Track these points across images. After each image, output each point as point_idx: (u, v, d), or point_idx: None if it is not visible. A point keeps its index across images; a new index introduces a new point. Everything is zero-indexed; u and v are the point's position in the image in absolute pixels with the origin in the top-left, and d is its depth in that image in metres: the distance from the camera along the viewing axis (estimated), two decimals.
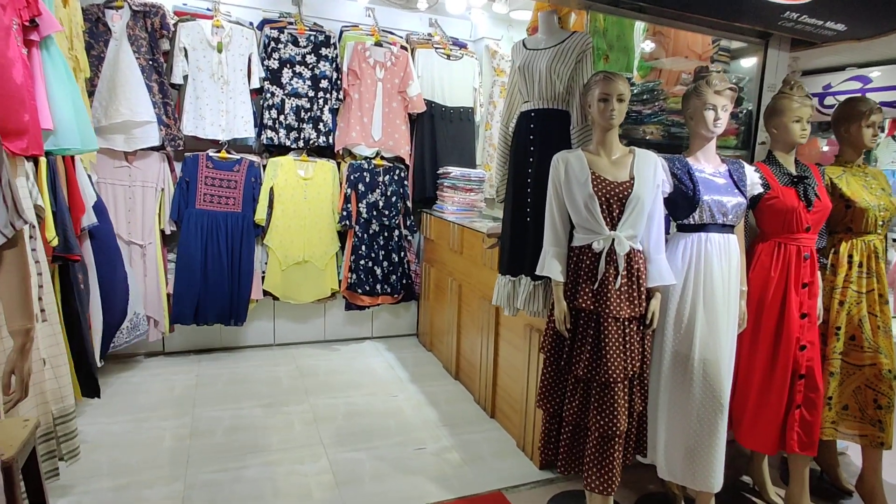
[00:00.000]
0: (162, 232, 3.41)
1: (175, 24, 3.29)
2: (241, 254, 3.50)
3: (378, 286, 3.78)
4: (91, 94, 3.15)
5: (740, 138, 2.54)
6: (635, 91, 2.40)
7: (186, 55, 3.32)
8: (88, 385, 2.44)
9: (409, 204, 3.86)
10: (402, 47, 3.75)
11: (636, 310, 1.84)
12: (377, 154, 3.78)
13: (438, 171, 3.80)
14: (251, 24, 3.51)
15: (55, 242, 2.22)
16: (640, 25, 2.63)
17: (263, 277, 3.60)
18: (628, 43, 2.64)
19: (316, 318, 3.91)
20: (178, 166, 3.46)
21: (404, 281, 3.88)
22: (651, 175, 1.86)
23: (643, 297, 1.86)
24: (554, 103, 2.08)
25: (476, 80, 3.97)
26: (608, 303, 1.80)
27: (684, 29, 2.39)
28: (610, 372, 1.77)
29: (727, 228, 1.96)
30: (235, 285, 3.49)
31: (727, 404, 1.92)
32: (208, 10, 3.42)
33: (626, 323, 1.83)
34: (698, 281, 1.92)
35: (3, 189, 1.20)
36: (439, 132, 3.86)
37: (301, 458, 2.45)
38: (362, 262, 3.72)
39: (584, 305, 1.84)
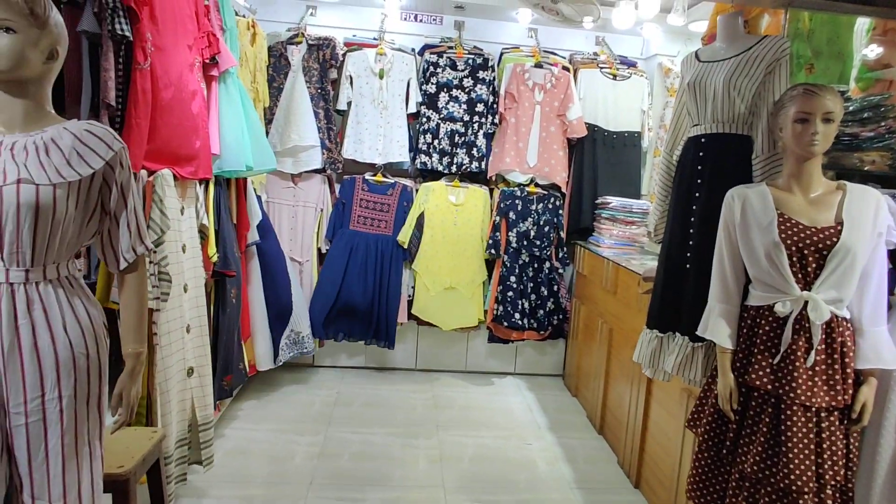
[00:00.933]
0: (319, 250, 3.57)
1: (344, 55, 3.45)
2: (390, 276, 3.52)
3: (524, 320, 3.55)
4: (270, 121, 3.42)
5: None
6: (851, 108, 1.90)
7: (352, 83, 3.46)
8: (221, 391, 2.57)
9: (563, 235, 3.59)
10: (564, 68, 3.53)
11: (838, 398, 1.39)
12: (531, 181, 3.58)
13: (597, 201, 3.48)
14: (413, 50, 3.56)
15: (215, 259, 2.37)
16: (862, 24, 2.10)
17: (410, 301, 3.59)
18: (843, 47, 2.11)
19: (459, 348, 3.80)
20: (338, 188, 3.61)
21: (553, 317, 3.60)
22: (870, 219, 1.41)
23: (849, 381, 1.40)
24: (731, 126, 1.70)
25: (645, 101, 3.59)
26: (794, 385, 1.38)
27: None
28: (792, 477, 1.35)
29: None
30: (384, 307, 3.51)
31: None
32: (374, 39, 3.54)
33: (823, 414, 1.39)
34: None
35: (129, 215, 1.24)
36: (600, 158, 3.55)
37: (418, 502, 2.31)
38: (509, 293, 3.52)
39: (758, 383, 1.44)
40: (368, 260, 3.51)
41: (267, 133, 3.40)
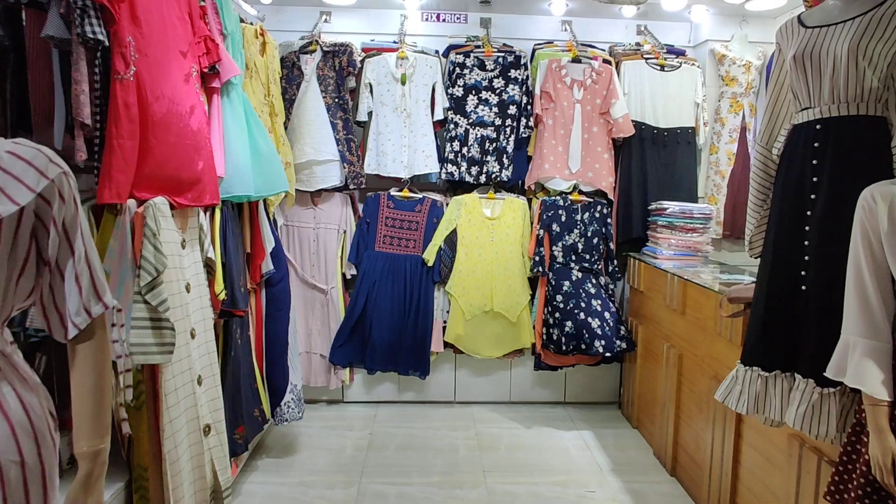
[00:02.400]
0: (344, 276, 3.26)
1: (362, 61, 3.16)
2: (422, 300, 3.19)
3: (574, 343, 3.17)
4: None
5: None
6: None
7: (371, 91, 3.16)
8: (234, 445, 2.25)
9: (613, 246, 3.22)
10: (605, 61, 3.17)
11: None
12: (574, 188, 3.22)
13: (650, 207, 3.10)
14: (437, 52, 3.25)
15: (223, 296, 2.07)
16: None
17: (445, 327, 3.24)
18: None
19: (501, 376, 3.44)
20: (361, 207, 3.31)
21: (606, 338, 3.21)
22: None
23: None
24: (859, 106, 1.33)
25: (698, 92, 3.21)
26: None
27: None
28: None
29: None
30: (415, 334, 3.18)
31: None
32: (394, 42, 3.24)
33: None
34: None
35: (78, 264, 0.92)
36: (651, 159, 3.17)
37: None
38: (557, 314, 3.15)
39: None
40: (397, 283, 3.18)
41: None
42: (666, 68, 3.17)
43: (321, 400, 3.42)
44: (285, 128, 3.12)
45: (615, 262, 3.22)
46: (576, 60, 3.15)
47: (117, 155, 1.54)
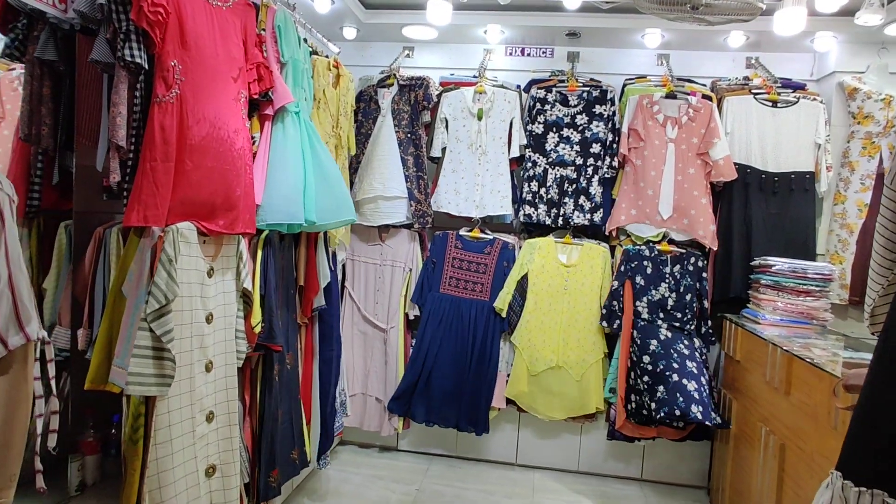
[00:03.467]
0: (406, 316, 3.11)
1: (439, 95, 3.06)
2: (485, 350, 2.94)
3: (666, 409, 2.74)
4: (356, 170, 3.10)
5: None
6: None
7: (447, 126, 3.05)
8: (266, 488, 2.11)
9: (707, 305, 2.79)
10: (705, 97, 2.83)
11: None
12: (664, 237, 2.86)
13: (754, 262, 2.67)
14: (518, 87, 3.08)
15: (259, 328, 1.98)
16: None
17: (508, 381, 2.97)
18: None
19: (569, 441, 3.07)
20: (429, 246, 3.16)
21: (703, 405, 2.76)
22: None
23: None
24: None
25: (820, 132, 2.75)
26: None
27: None
28: None
29: None
30: (476, 387, 2.93)
31: None
32: (475, 77, 3.12)
33: None
34: None
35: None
36: (757, 207, 2.75)
37: None
38: (646, 378, 2.75)
39: None
40: (461, 329, 2.96)
41: (352, 183, 3.08)
42: (779, 104, 2.76)
43: (374, 445, 3.24)
44: (357, 162, 3.09)
45: (710, 323, 2.78)
46: (670, 96, 2.84)
47: (148, 177, 1.50)
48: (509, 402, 2.96)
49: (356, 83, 3.16)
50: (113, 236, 1.64)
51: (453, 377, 2.95)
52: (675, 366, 2.64)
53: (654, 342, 2.74)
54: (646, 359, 2.74)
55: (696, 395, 2.55)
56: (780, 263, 2.48)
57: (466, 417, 2.95)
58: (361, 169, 3.09)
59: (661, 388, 2.62)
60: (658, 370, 2.66)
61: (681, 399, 2.54)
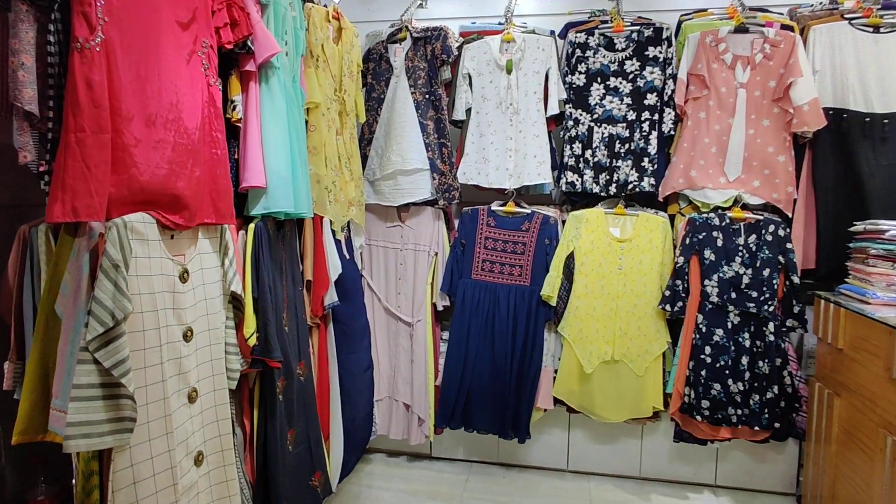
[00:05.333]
0: (434, 307, 2.70)
1: (459, 47, 2.60)
2: (528, 343, 2.53)
3: (731, 410, 2.32)
4: (370, 142, 2.68)
5: None
6: None
7: (471, 83, 2.59)
8: None
9: (796, 280, 2.32)
10: (784, 27, 2.32)
11: None
12: (735, 202, 2.39)
13: (856, 227, 2.18)
14: (552, 33, 2.60)
15: (253, 341, 1.59)
16: None
17: (555, 378, 2.56)
18: None
19: (629, 444, 2.67)
20: (456, 224, 2.74)
21: (779, 406, 2.32)
22: None
23: None
24: None
25: None
26: None
27: None
28: None
29: None
30: (516, 386, 2.53)
31: None
32: (500, 24, 2.64)
33: None
34: None
35: None
36: (861, 159, 2.25)
37: None
38: (703, 372, 2.33)
39: None
40: (497, 321, 2.55)
41: (365, 157, 2.66)
42: (883, 29, 2.24)
43: (404, 452, 2.88)
44: (370, 133, 2.67)
45: (801, 302, 2.31)
46: (740, 30, 2.33)
47: (74, 154, 1.10)
48: (557, 401, 2.56)
49: (363, 41, 2.72)
50: (40, 236, 1.26)
51: (492, 376, 2.55)
52: (735, 361, 2.32)
53: (720, 331, 2.33)
54: (707, 350, 2.33)
55: (744, 396, 2.32)
56: (895, 228, 2.00)
57: (509, 422, 2.55)
58: (376, 140, 2.66)
59: (717, 386, 2.33)
60: (718, 365, 2.32)
61: (720, 399, 2.32)
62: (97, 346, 1.10)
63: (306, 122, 2.08)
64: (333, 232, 2.20)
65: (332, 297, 2.13)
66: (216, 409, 1.45)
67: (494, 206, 2.61)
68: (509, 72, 2.52)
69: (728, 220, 2.37)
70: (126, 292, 1.13)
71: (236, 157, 1.64)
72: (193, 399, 1.37)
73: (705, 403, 2.32)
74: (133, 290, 1.18)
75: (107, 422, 1.13)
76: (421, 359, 2.66)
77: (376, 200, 2.63)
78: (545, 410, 2.56)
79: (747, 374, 2.32)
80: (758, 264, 2.34)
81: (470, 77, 2.59)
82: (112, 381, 1.13)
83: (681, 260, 2.37)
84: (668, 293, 2.38)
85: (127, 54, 1.19)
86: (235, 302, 1.59)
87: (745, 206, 2.39)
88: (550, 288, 2.48)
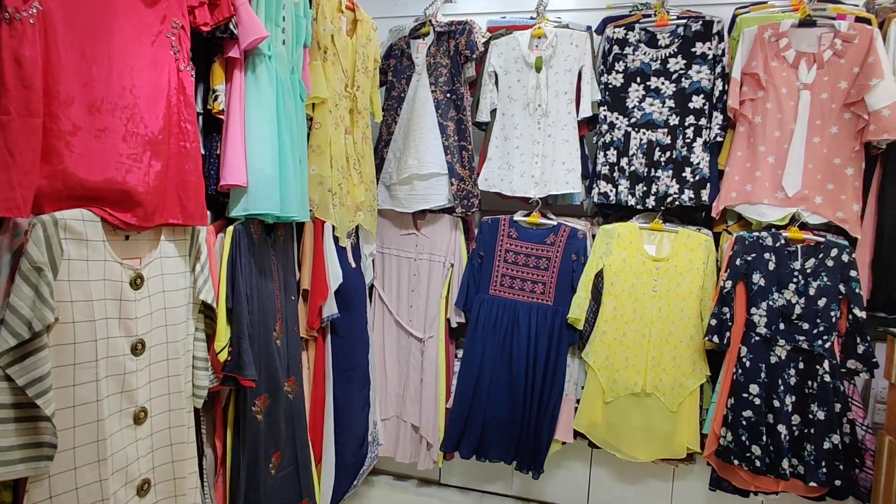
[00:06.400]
0: (448, 323, 2.50)
1: (486, 43, 2.40)
2: (548, 369, 2.29)
3: (779, 459, 2.01)
4: (387, 143, 2.52)
5: None
6: None
7: (497, 82, 2.39)
8: None
9: (861, 315, 1.99)
10: (860, 20, 2.01)
11: None
12: (792, 220, 2.09)
13: None
14: (588, 28, 2.37)
15: (225, 356, 1.44)
16: None
17: (577, 409, 2.31)
18: None
19: (658, 488, 2.38)
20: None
21: (838, 459, 1.99)
22: None
23: None
24: None
25: None
26: None
27: None
28: None
29: None
30: (535, 415, 2.29)
31: None
32: (531, 18, 2.43)
33: None
34: None
35: None
36: None
37: None
38: (746, 413, 2.04)
39: None
40: (516, 342, 2.32)
41: (383, 159, 2.50)
42: None
43: (412, 476, 2.69)
44: (389, 134, 2.50)
45: (867, 340, 1.99)
46: (806, 23, 2.04)
47: None
48: (578, 434, 2.30)
49: (385, 36, 2.56)
50: None
51: (508, 402, 2.32)
52: (783, 403, 2.01)
53: (764, 367, 2.02)
54: (752, 388, 2.03)
55: (795, 443, 2.02)
56: None
57: (525, 454, 2.32)
58: (394, 142, 2.50)
59: (759, 426, 2.03)
60: (760, 402, 2.03)
61: (766, 445, 2.01)
62: (9, 360, 0.96)
63: (310, 118, 1.94)
64: (337, 238, 2.03)
65: (331, 308, 1.97)
66: (170, 431, 1.30)
67: (517, 217, 2.39)
68: (539, 70, 2.30)
69: (783, 241, 2.07)
70: (48, 299, 0.99)
71: (219, 152, 1.49)
72: (141, 420, 1.22)
73: (744, 448, 2.03)
74: (63, 297, 1.04)
75: (19, 448, 0.99)
76: (431, 378, 2.46)
77: (391, 206, 2.46)
78: (563, 443, 2.32)
79: (796, 419, 2.02)
80: (812, 292, 2.03)
81: (496, 75, 2.38)
82: (27, 402, 0.99)
83: (728, 284, 2.09)
84: (714, 322, 2.08)
85: (71, 30, 1.06)
86: (208, 311, 1.44)
87: (803, 226, 2.09)
88: (579, 310, 2.24)
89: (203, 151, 1.49)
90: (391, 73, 2.53)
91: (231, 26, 1.39)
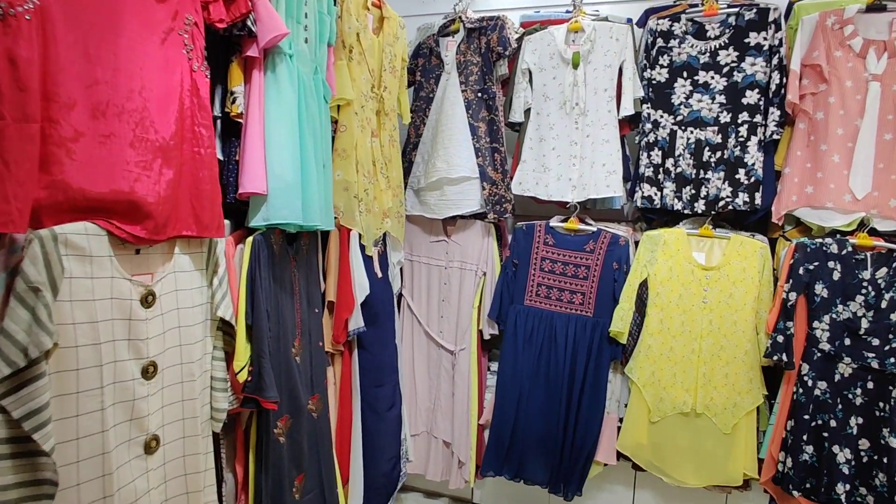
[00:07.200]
0: (480, 334, 2.38)
1: (519, 39, 2.28)
2: (588, 385, 2.14)
3: (842, 486, 1.83)
4: (415, 146, 2.41)
5: None
6: None
7: (531, 80, 2.26)
8: None
9: None
10: None
11: None
12: (860, 225, 1.90)
13: None
14: (629, 21, 2.22)
15: (244, 376, 1.34)
16: None
17: (620, 428, 2.15)
18: None
19: None
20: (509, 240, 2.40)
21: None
22: None
23: None
24: None
25: None
26: None
27: None
28: None
29: None
30: (570, 433, 2.15)
31: None
32: (568, 12, 2.29)
33: None
34: None
35: None
36: None
37: None
38: (808, 434, 1.86)
39: None
40: (553, 356, 2.18)
41: (411, 162, 2.39)
42: None
43: (443, 494, 2.57)
44: (417, 136, 2.39)
45: None
46: (875, 7, 1.86)
47: None
48: (621, 455, 2.15)
49: (413, 34, 2.46)
50: None
51: (544, 420, 2.18)
52: (848, 428, 1.82)
53: (827, 385, 1.84)
54: (814, 408, 1.86)
55: (861, 471, 1.81)
56: None
57: (562, 475, 2.17)
58: (423, 145, 2.38)
59: (809, 449, 1.87)
60: (821, 426, 1.86)
61: (828, 472, 1.81)
62: (3, 391, 0.87)
63: (335, 121, 1.84)
64: (363, 247, 1.92)
65: (357, 321, 1.86)
66: (185, 460, 1.20)
67: (554, 222, 2.25)
68: (576, 66, 2.16)
69: (850, 249, 1.88)
70: (46, 323, 0.90)
71: (238, 158, 1.40)
72: (153, 449, 1.12)
73: (804, 475, 1.85)
74: (64, 320, 0.95)
75: (16, 486, 0.90)
76: (463, 393, 2.33)
77: (420, 212, 2.35)
78: (604, 465, 2.16)
79: (864, 443, 1.83)
80: (884, 305, 1.83)
81: (530, 73, 2.25)
82: (24, 436, 0.90)
83: (792, 296, 1.91)
84: (780, 339, 1.90)
85: (72, 27, 0.97)
86: (227, 328, 1.35)
87: (872, 231, 1.89)
88: (622, 322, 2.08)
89: (221, 157, 1.40)
90: (419, 72, 2.42)
91: (249, 23, 1.30)
